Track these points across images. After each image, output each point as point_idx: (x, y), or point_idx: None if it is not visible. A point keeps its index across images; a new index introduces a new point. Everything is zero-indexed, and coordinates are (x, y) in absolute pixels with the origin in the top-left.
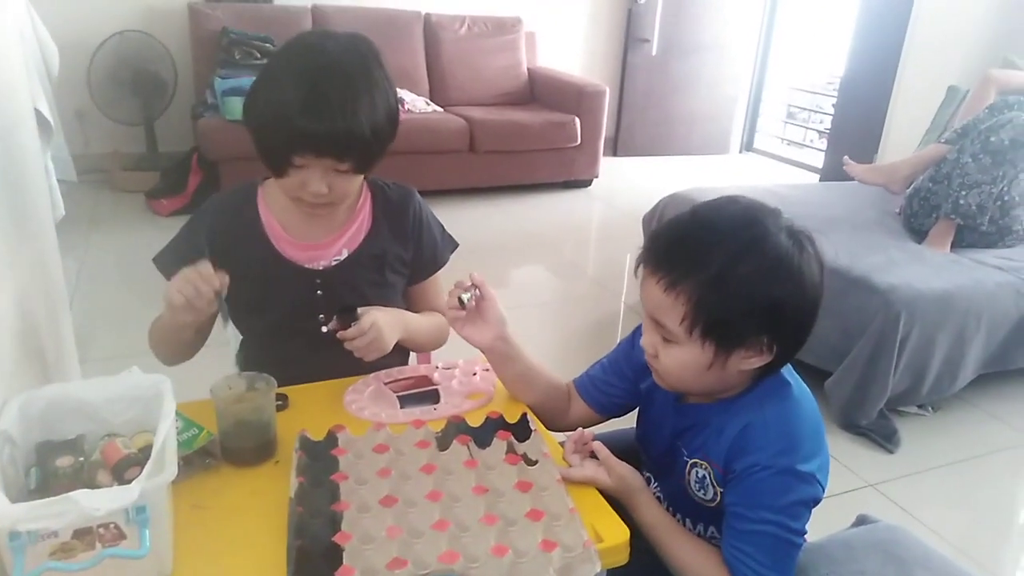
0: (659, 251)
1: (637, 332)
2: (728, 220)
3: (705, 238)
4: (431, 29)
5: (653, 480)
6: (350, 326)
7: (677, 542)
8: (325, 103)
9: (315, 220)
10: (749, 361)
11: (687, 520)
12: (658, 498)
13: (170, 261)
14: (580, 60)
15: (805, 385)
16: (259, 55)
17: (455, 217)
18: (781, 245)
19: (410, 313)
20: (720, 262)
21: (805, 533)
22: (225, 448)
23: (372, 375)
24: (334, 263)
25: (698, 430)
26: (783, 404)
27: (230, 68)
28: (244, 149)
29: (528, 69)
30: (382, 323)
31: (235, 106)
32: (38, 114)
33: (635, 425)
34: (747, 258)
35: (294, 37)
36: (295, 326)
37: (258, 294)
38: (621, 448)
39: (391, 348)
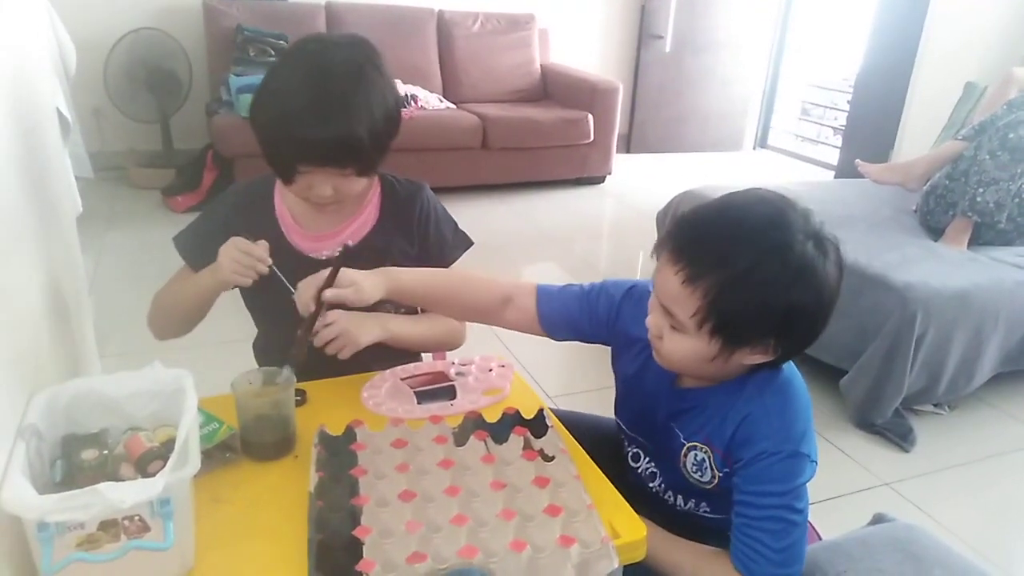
0: (682, 241)
1: (625, 298)
2: (755, 220)
3: (730, 237)
4: (444, 26)
5: (645, 457)
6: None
7: (677, 550)
8: (323, 114)
9: (323, 212)
10: (752, 358)
11: (679, 497)
12: (653, 474)
13: (189, 243)
14: (593, 57)
15: (792, 362)
16: (273, 52)
17: (467, 214)
18: (806, 253)
19: (396, 317)
20: (742, 264)
21: (806, 511)
22: (245, 442)
23: (389, 371)
24: (336, 253)
25: (696, 413)
26: (780, 390)
27: (245, 65)
28: (258, 146)
29: (541, 66)
30: (345, 319)
31: (249, 103)
32: (57, 112)
33: (614, 407)
34: (769, 263)
35: (295, 44)
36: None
37: (267, 281)
38: (601, 435)
39: (364, 343)
